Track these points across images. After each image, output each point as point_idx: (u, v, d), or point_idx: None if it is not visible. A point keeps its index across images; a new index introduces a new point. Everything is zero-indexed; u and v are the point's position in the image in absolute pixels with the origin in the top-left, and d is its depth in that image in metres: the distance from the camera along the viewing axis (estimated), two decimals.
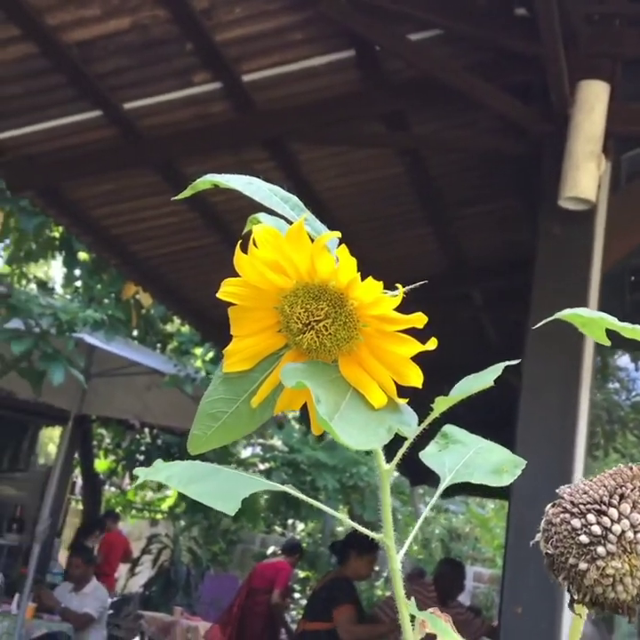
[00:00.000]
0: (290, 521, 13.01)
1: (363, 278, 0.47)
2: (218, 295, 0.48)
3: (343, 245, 0.45)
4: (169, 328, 10.72)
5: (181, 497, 12.43)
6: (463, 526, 15.45)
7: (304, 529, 13.94)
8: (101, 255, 4.74)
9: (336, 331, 0.47)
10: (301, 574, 10.89)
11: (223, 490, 0.52)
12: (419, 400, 0.60)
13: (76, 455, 10.75)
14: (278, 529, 13.00)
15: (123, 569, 10.88)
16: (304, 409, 0.51)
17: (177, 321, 11.02)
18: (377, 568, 7.92)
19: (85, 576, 6.78)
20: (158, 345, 10.03)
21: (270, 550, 10.54)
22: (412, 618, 0.55)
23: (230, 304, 0.50)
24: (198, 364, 7.81)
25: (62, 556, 10.72)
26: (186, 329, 9.04)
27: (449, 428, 0.63)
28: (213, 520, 11.22)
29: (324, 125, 3.53)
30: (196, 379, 5.98)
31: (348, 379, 0.48)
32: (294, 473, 11.81)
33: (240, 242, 0.47)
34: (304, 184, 3.82)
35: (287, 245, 0.46)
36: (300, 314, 0.47)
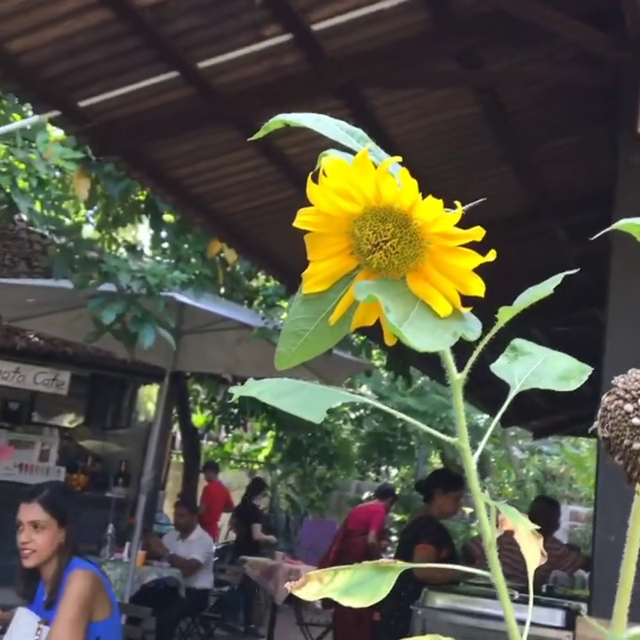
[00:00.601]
0: (383, 467, 13.20)
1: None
2: (294, 224, 0.54)
3: (404, 168, 0.50)
4: (254, 284, 10.90)
5: (277, 447, 12.75)
6: (558, 467, 15.35)
7: (397, 474, 14.13)
8: (185, 214, 4.86)
9: (402, 249, 0.52)
10: (397, 518, 11.07)
11: (310, 402, 0.58)
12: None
13: (174, 411, 11.13)
14: (372, 475, 13.21)
15: (225, 518, 11.29)
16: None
17: (262, 276, 11.19)
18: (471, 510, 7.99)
19: (190, 524, 7.09)
20: (245, 301, 10.21)
21: (365, 496, 10.74)
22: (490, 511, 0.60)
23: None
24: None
25: (167, 507, 11.20)
26: (271, 283, 9.18)
27: (518, 342, 0.67)
28: (308, 468, 11.50)
29: (396, 69, 3.52)
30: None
31: (416, 292, 0.53)
32: (385, 419, 11.96)
33: (311, 174, 0.52)
34: (380, 130, 3.82)
35: (353, 173, 0.50)
36: (368, 236, 0.52)
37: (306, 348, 0.56)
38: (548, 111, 4.04)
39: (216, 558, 8.28)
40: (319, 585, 0.66)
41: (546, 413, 8.52)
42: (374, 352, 10.13)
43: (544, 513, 4.81)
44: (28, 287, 6.77)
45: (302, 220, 0.54)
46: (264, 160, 4.07)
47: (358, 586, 0.64)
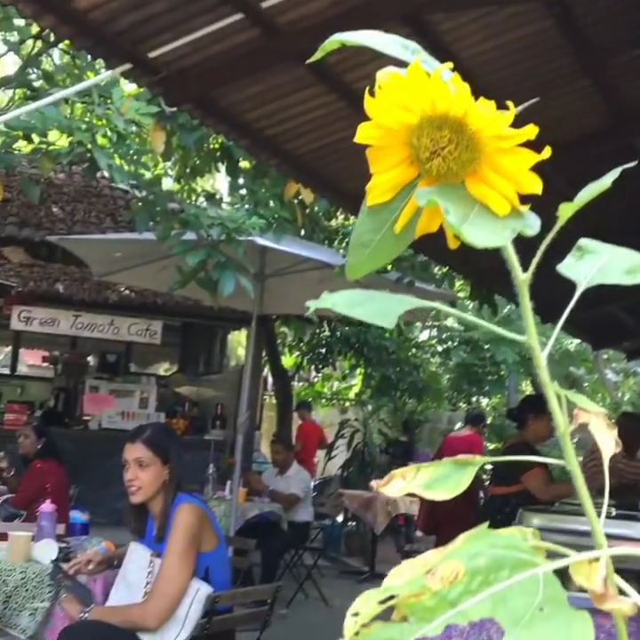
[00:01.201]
0: (473, 398, 13.21)
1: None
2: (355, 139, 0.57)
3: (456, 74, 0.52)
4: (334, 224, 10.91)
5: (366, 384, 12.89)
6: None
7: (488, 403, 14.12)
8: (259, 157, 4.89)
9: (459, 154, 0.54)
10: (490, 446, 11.11)
11: (381, 309, 0.61)
12: None
13: (264, 354, 11.35)
14: (463, 406, 13.24)
15: (320, 454, 11.56)
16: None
17: (341, 215, 11.18)
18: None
19: (287, 461, 7.30)
20: (325, 241, 10.25)
21: (457, 426, 10.79)
22: (561, 404, 0.62)
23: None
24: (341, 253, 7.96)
25: (264, 447, 11.53)
26: (350, 221, 9.18)
27: (584, 241, 0.68)
28: (398, 403, 11.61)
29: None
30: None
31: (475, 194, 0.55)
32: (473, 350, 11.91)
33: (368, 89, 0.55)
34: (449, 55, 3.74)
35: (408, 84, 0.53)
36: (426, 144, 0.55)
37: (374, 258, 0.59)
38: (624, 20, 3.87)
39: (315, 493, 8.52)
40: (403, 481, 0.70)
41: (638, 334, 8.33)
42: (457, 283, 10.07)
43: (629, 430, 4.70)
44: (114, 242, 6.99)
45: (363, 134, 0.57)
46: (334, 96, 4.05)
47: (440, 480, 0.67)
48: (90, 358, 11.83)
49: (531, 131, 0.53)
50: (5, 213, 10.54)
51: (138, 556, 3.14)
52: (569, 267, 0.67)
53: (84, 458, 8.67)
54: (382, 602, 0.54)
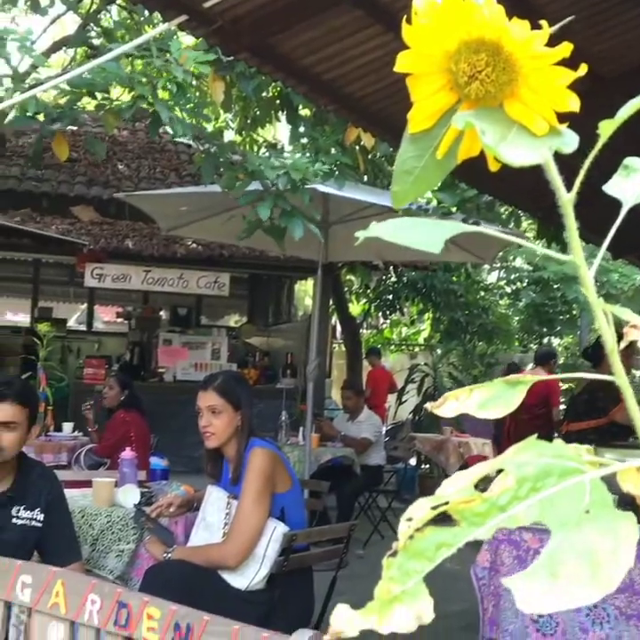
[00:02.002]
0: (545, 338, 13.04)
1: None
2: (395, 69, 0.58)
3: None
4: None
5: (435, 328, 12.86)
6: None
7: (560, 343, 13.92)
8: (318, 103, 4.86)
9: (497, 76, 0.55)
10: (563, 386, 10.99)
11: (428, 234, 0.63)
12: None
13: (331, 302, 11.41)
14: (534, 347, 13.09)
15: (391, 400, 11.64)
16: None
17: None
18: None
19: (358, 406, 7.38)
20: (388, 187, 10.16)
21: (529, 368, 10.69)
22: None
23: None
24: (429, 195, 7.86)
25: (334, 394, 11.66)
26: None
27: (630, 160, 0.69)
28: (468, 346, 11.55)
29: None
30: (428, 209, 6.06)
31: (513, 116, 0.56)
32: (542, 290, 11.72)
33: (405, 17, 0.56)
34: None
35: (443, 9, 0.54)
36: (464, 69, 0.56)
37: (418, 184, 0.61)
38: None
39: (387, 438, 8.61)
40: (456, 403, 0.73)
41: None
42: (525, 223, 9.88)
43: None
44: (179, 196, 7.07)
45: (402, 63, 0.58)
46: (391, 36, 3.98)
47: (492, 399, 0.70)
48: (162, 312, 12.09)
49: (565, 48, 0.53)
50: (74, 173, 10.76)
51: (215, 498, 3.25)
52: (614, 186, 0.68)
53: (161, 409, 8.92)
54: (434, 508, 0.57)
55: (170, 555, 3.12)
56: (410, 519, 0.56)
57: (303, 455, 6.39)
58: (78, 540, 3.36)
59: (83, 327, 12.92)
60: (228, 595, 3.01)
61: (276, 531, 3.09)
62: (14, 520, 2.95)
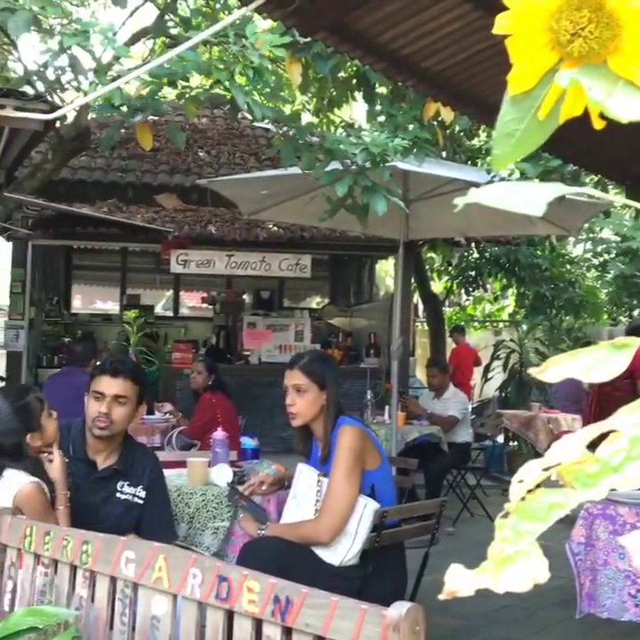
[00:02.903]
0: (635, 311, 12.64)
1: None
2: (493, 31, 0.58)
3: None
4: (476, 143, 10.62)
5: (520, 303, 12.64)
6: None
7: None
8: (397, 79, 4.82)
9: (600, 33, 0.54)
10: None
11: (530, 198, 0.63)
12: None
13: (413, 281, 11.33)
14: (623, 320, 12.72)
15: (476, 377, 11.52)
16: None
17: (483, 133, 10.85)
18: None
19: (443, 384, 7.34)
20: (468, 162, 10.01)
21: None
22: None
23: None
24: (510, 166, 7.70)
25: (419, 373, 11.62)
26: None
27: None
28: (555, 321, 11.31)
29: None
30: (511, 181, 5.93)
31: (618, 71, 0.55)
32: (632, 260, 11.35)
33: None
34: None
35: None
36: (566, 26, 0.55)
37: (519, 147, 0.60)
38: None
39: (473, 416, 8.53)
40: (560, 367, 0.72)
41: None
42: (611, 192, 9.58)
43: None
44: (260, 179, 7.13)
45: (501, 25, 0.58)
46: (468, 6, 3.91)
47: (598, 364, 0.69)
48: (245, 296, 12.26)
49: None
50: (157, 162, 10.98)
51: (306, 476, 3.29)
52: None
53: (247, 391, 9.07)
54: (545, 469, 0.57)
55: (263, 531, 3.18)
56: (521, 481, 0.56)
57: (389, 434, 6.39)
58: (175, 520, 3.47)
59: (169, 313, 13.21)
60: (322, 570, 3.05)
61: (367, 507, 3.11)
62: (118, 494, 3.08)
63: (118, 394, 3.08)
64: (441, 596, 0.53)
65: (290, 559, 2.99)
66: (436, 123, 7.32)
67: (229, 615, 1.90)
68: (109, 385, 3.11)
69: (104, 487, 3.05)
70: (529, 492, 0.56)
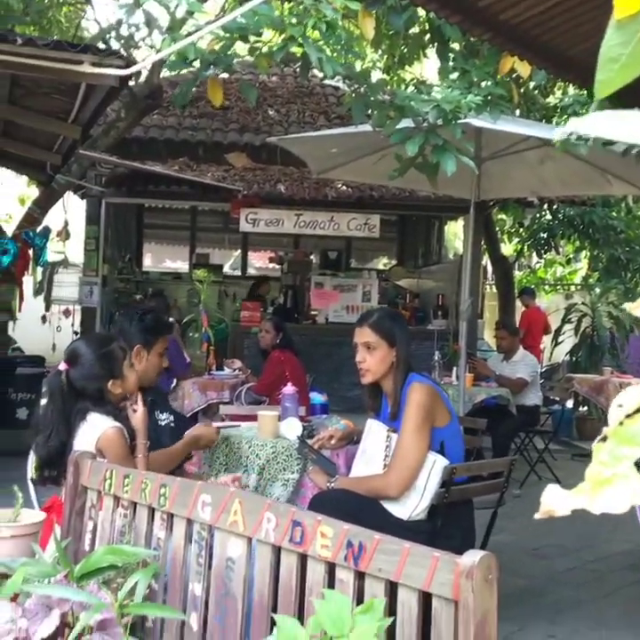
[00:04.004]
0: None
1: None
2: None
3: None
4: (551, 101, 10.34)
5: (593, 267, 12.36)
6: None
7: None
8: (472, 33, 4.71)
9: None
10: None
11: (635, 126, 0.61)
12: None
13: (482, 243, 11.17)
14: None
15: (545, 341, 11.35)
16: None
17: (558, 91, 10.55)
18: None
19: (512, 346, 7.26)
20: (542, 120, 9.77)
21: None
22: None
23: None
24: None
25: (487, 336, 11.51)
26: (571, 94, 8.66)
27: None
28: (629, 284, 11.04)
29: None
30: (588, 139, 5.76)
31: None
32: None
33: None
34: None
35: None
36: None
37: (624, 72, 0.59)
38: None
39: (542, 380, 8.43)
40: None
41: None
42: None
43: None
44: (330, 137, 7.09)
45: None
46: None
47: None
48: (312, 256, 12.28)
49: None
50: (227, 121, 11.01)
51: (375, 431, 3.31)
52: None
53: (314, 350, 9.13)
54: None
55: (333, 484, 3.23)
56: (620, 405, 0.56)
57: (457, 395, 6.37)
58: (245, 471, 3.58)
59: (237, 272, 13.34)
60: (390, 523, 3.08)
61: (437, 464, 3.12)
62: (160, 423, 3.25)
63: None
64: (537, 515, 0.54)
65: (359, 511, 3.03)
66: (510, 79, 7.15)
67: (303, 559, 1.94)
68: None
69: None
70: (628, 416, 0.56)
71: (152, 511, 2.34)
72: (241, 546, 2.08)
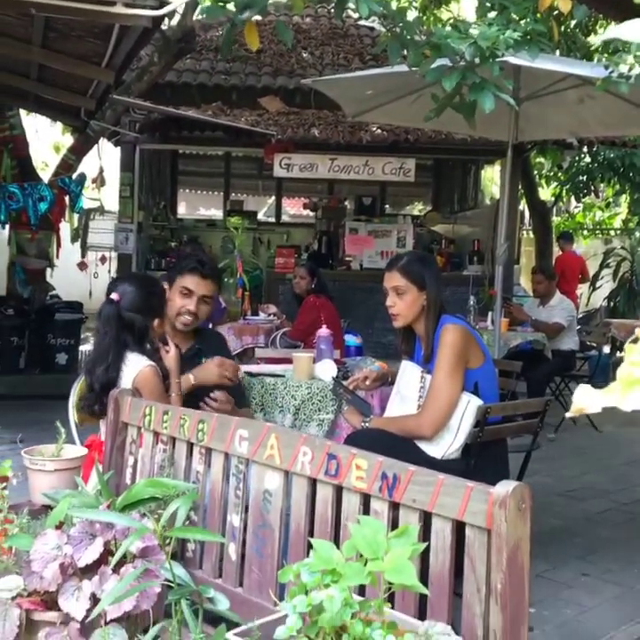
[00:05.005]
0: None
1: None
2: None
3: None
4: (592, 40, 10.06)
5: (634, 211, 12.13)
6: None
7: None
8: None
9: None
10: None
11: None
12: None
13: (519, 188, 11.01)
14: None
15: (583, 287, 11.22)
16: None
17: (600, 28, 10.25)
18: None
19: (549, 291, 7.20)
20: (583, 60, 9.53)
21: None
22: None
23: None
24: (630, 60, 7.28)
25: (523, 281, 11.41)
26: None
27: None
28: None
29: None
30: (631, 77, 5.60)
31: None
32: None
33: None
34: None
35: None
36: None
37: None
38: None
39: (579, 326, 8.36)
40: None
41: None
42: None
43: None
44: (365, 78, 6.97)
45: None
46: None
47: None
48: (346, 202, 12.20)
49: None
50: (260, 64, 10.89)
51: (410, 373, 3.33)
52: None
53: (349, 296, 9.14)
54: None
55: (367, 424, 3.26)
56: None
57: (492, 340, 6.35)
58: (281, 411, 3.62)
59: (271, 219, 13.32)
60: (424, 462, 3.08)
61: (471, 403, 3.13)
62: None
63: (205, 294, 3.31)
64: (567, 414, 0.54)
65: (393, 449, 3.03)
66: (551, 16, 6.96)
67: (338, 490, 1.98)
68: (198, 285, 3.29)
69: (190, 365, 3.21)
70: None
71: (190, 446, 2.39)
72: (278, 479, 2.13)
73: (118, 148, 9.84)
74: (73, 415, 3.22)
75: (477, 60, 5.14)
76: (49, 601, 1.87)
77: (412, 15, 9.38)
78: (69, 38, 5.30)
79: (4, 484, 2.14)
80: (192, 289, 3.30)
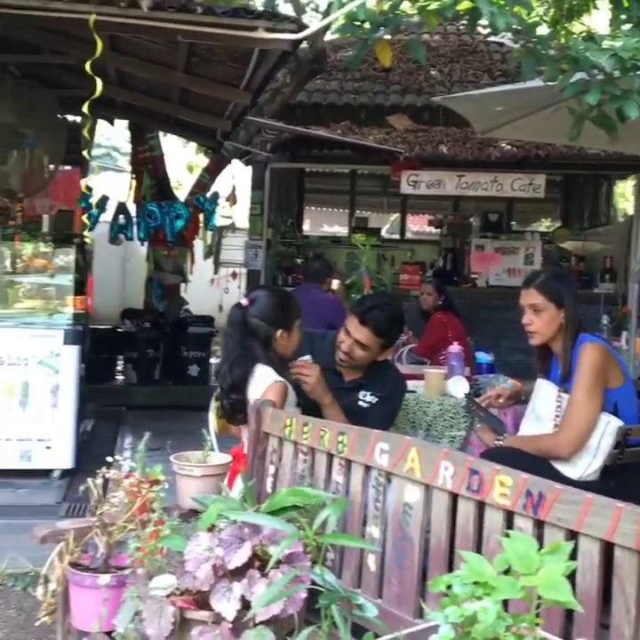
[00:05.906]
0: None
1: None
2: None
3: None
4: None
5: None
6: None
7: None
8: None
9: None
10: None
11: None
12: None
13: None
14: None
15: None
16: None
17: None
18: None
19: None
20: None
21: None
22: None
23: None
24: None
25: None
26: None
27: None
28: None
29: None
30: None
31: None
32: None
33: None
34: None
35: None
36: None
37: None
38: None
39: None
40: None
41: None
42: None
43: None
44: (496, 94, 6.92)
45: None
46: None
47: None
48: (472, 219, 12.09)
49: None
50: (388, 82, 10.98)
51: (546, 391, 3.28)
52: None
53: (474, 314, 9.03)
54: None
55: (501, 442, 3.23)
56: None
57: (627, 360, 6.16)
58: (413, 427, 3.63)
59: (395, 236, 13.35)
60: (561, 482, 3.06)
61: (610, 424, 3.06)
62: (360, 403, 3.28)
63: (359, 340, 3.25)
64: None
65: (529, 469, 3.00)
66: None
67: (480, 506, 1.99)
68: (357, 329, 3.28)
69: (346, 396, 3.25)
70: None
71: (330, 457, 2.45)
72: (418, 492, 2.15)
73: (249, 167, 10.13)
74: (213, 424, 3.35)
75: (617, 73, 5.03)
76: (200, 600, 1.96)
77: (542, 29, 9.25)
78: (211, 63, 5.53)
79: (159, 487, 2.25)
80: (350, 331, 3.32)
